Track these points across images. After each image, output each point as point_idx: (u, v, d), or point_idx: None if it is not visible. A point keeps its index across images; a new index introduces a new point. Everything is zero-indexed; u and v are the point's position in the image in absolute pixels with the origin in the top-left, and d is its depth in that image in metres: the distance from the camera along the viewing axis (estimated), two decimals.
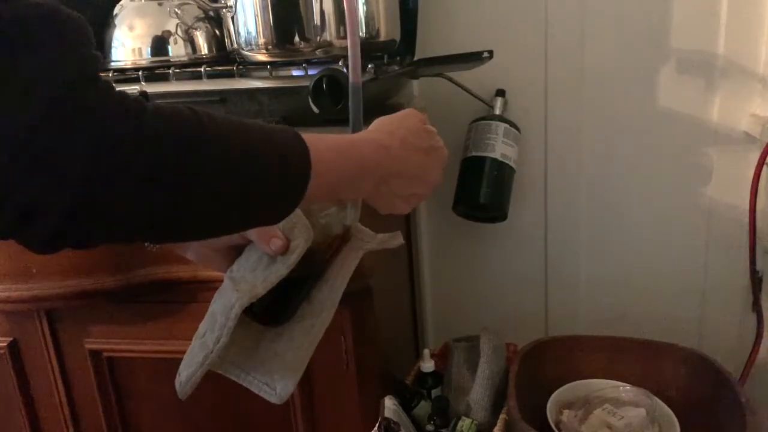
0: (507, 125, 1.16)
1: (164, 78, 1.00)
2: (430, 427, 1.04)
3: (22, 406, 1.02)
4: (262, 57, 0.99)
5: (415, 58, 1.15)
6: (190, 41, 1.08)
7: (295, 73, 0.99)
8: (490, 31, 1.19)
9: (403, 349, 1.28)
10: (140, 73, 1.00)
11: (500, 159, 1.14)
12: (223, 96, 0.92)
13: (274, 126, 0.48)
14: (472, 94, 1.18)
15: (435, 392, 1.14)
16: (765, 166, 1.09)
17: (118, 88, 0.39)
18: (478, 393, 1.07)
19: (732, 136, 1.15)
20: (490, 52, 0.99)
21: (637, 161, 1.21)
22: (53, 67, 0.35)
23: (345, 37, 0.92)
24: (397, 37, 1.08)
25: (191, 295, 0.91)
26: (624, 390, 1.04)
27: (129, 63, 1.07)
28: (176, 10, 1.07)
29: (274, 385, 0.58)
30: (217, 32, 1.11)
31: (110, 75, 1.02)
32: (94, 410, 1.02)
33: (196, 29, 1.09)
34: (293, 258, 0.57)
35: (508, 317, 1.33)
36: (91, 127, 0.36)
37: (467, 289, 1.38)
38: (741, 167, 1.15)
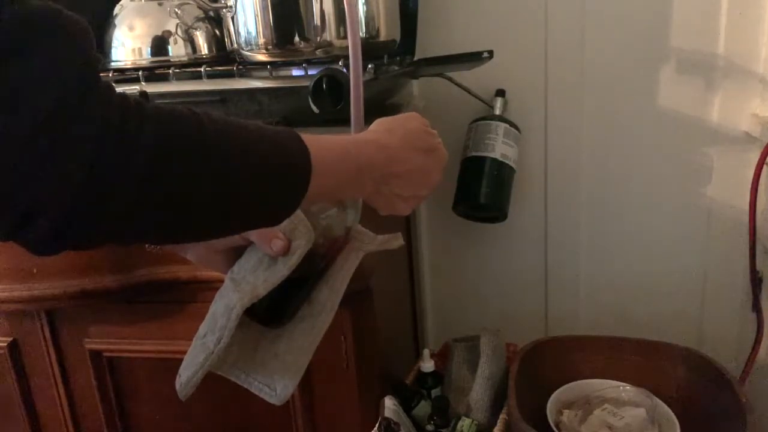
0: (507, 125, 1.16)
1: (164, 78, 1.00)
2: (430, 427, 1.04)
3: (22, 406, 1.02)
4: (262, 57, 0.99)
5: (415, 58, 1.15)
6: (190, 41, 1.08)
7: (295, 73, 0.99)
8: (490, 31, 1.19)
9: (403, 349, 1.28)
10: (140, 73, 1.00)
11: (500, 159, 1.14)
12: (223, 96, 0.92)
13: (275, 128, 0.48)
14: (472, 94, 1.18)
15: (435, 392, 1.14)
16: (765, 166, 1.09)
17: (118, 89, 0.39)
18: (478, 393, 1.07)
19: (732, 136, 1.15)
20: (490, 52, 0.99)
21: (637, 161, 1.21)
22: (54, 69, 0.35)
23: (345, 37, 0.92)
24: (397, 37, 1.08)
25: (191, 295, 0.91)
26: (624, 390, 1.04)
27: (129, 63, 1.07)
28: (176, 10, 1.07)
29: (275, 386, 0.58)
30: (217, 32, 1.11)
31: (110, 75, 1.02)
32: (94, 410, 1.02)
33: (196, 29, 1.09)
34: (294, 259, 0.57)
35: (508, 317, 1.33)
36: (92, 129, 0.36)
37: (467, 289, 1.38)
38: (741, 167, 1.15)
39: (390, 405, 0.98)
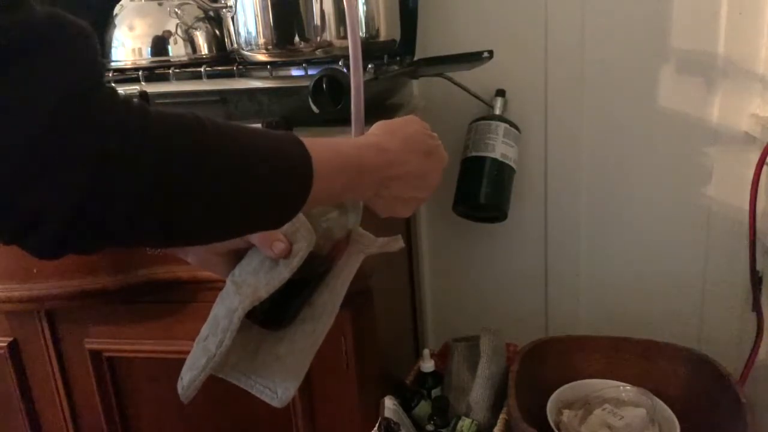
0: (507, 125, 1.16)
1: (164, 78, 1.00)
2: (430, 427, 1.04)
3: (22, 406, 1.02)
4: (262, 57, 0.99)
5: (415, 58, 1.15)
6: (190, 41, 1.08)
7: (295, 73, 0.99)
8: (490, 31, 1.19)
9: (403, 349, 1.28)
10: (140, 73, 1.00)
11: (500, 159, 1.14)
12: (223, 96, 0.91)
13: (276, 132, 0.48)
14: (472, 94, 1.18)
15: (435, 392, 1.14)
16: (765, 166, 1.09)
17: (119, 90, 0.39)
18: (478, 393, 1.07)
19: (732, 136, 1.15)
20: (490, 52, 0.99)
21: (637, 161, 1.21)
22: (57, 75, 0.35)
23: (345, 37, 0.92)
24: (397, 37, 1.08)
25: (191, 295, 0.91)
26: (624, 390, 1.04)
27: (129, 63, 1.07)
28: (176, 10, 1.06)
29: (276, 388, 0.58)
30: (217, 32, 1.11)
31: (110, 75, 1.02)
32: (94, 410, 1.02)
33: (196, 29, 1.09)
34: (296, 261, 0.57)
35: (508, 317, 1.33)
36: (95, 134, 0.36)
37: (467, 289, 1.38)
38: (741, 167, 1.15)
39: (390, 405, 0.98)
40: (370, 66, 0.90)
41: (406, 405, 1.05)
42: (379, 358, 0.99)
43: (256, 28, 0.97)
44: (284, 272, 0.57)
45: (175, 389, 0.58)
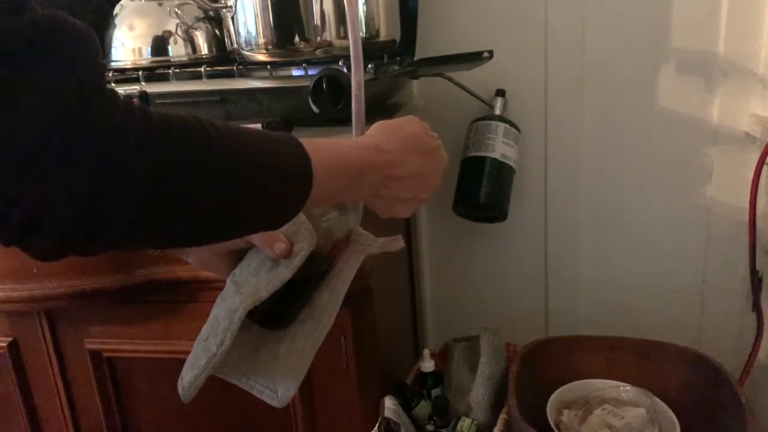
0: (507, 125, 1.16)
1: (164, 78, 1.00)
2: (430, 427, 1.04)
3: (22, 406, 1.02)
4: (262, 57, 0.99)
5: (415, 58, 1.15)
6: (190, 41, 1.08)
7: (295, 73, 0.99)
8: (490, 31, 1.19)
9: (403, 349, 1.28)
10: (140, 73, 1.00)
11: (500, 159, 1.14)
12: (223, 96, 0.91)
13: (276, 134, 0.49)
14: (472, 94, 1.18)
15: (435, 392, 1.14)
16: (765, 166, 1.09)
17: (119, 90, 0.39)
18: (478, 393, 1.07)
19: (732, 136, 1.15)
20: (490, 52, 0.99)
21: (637, 161, 1.21)
22: (57, 77, 0.35)
23: (345, 37, 0.92)
24: (397, 37, 1.08)
25: (191, 295, 0.91)
26: (624, 390, 1.04)
27: (129, 63, 1.07)
28: (176, 10, 1.07)
29: (276, 388, 0.58)
30: (217, 32, 1.11)
31: (110, 75, 1.02)
32: (94, 410, 1.02)
33: (196, 29, 1.09)
34: (296, 261, 0.57)
35: (508, 317, 1.33)
36: (95, 137, 0.36)
37: (467, 289, 1.38)
38: (741, 167, 1.15)
39: (390, 405, 0.98)
40: (370, 66, 0.90)
41: (406, 405, 1.05)
42: (379, 358, 0.99)
43: (256, 28, 0.97)
44: (285, 272, 0.57)
45: (176, 389, 0.58)
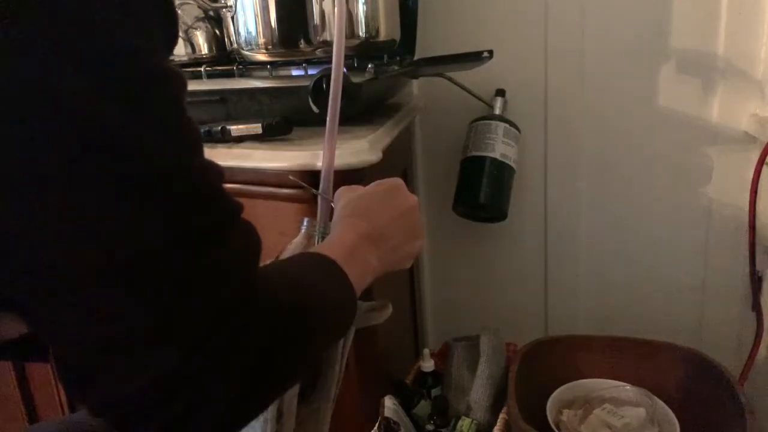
0: (507, 125, 1.16)
1: None
2: (430, 427, 1.04)
3: (22, 406, 1.02)
4: (262, 57, 0.99)
5: (415, 58, 1.15)
6: (190, 41, 1.08)
7: (295, 73, 0.99)
8: (490, 31, 1.19)
9: (403, 349, 1.28)
10: None
11: (500, 159, 1.14)
12: (222, 96, 0.92)
13: (321, 265, 0.52)
14: (472, 94, 1.18)
15: (435, 392, 1.14)
16: (765, 166, 1.09)
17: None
18: (478, 393, 1.07)
19: (732, 136, 1.15)
20: (490, 52, 0.99)
21: (636, 161, 1.21)
22: (232, 268, 0.39)
23: (345, 37, 0.92)
24: (397, 37, 1.08)
25: None
26: (624, 390, 1.04)
27: None
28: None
29: None
30: (217, 32, 1.11)
31: None
32: None
33: (196, 29, 1.09)
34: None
35: (508, 317, 1.33)
36: (257, 329, 0.40)
37: (467, 289, 1.38)
38: (741, 167, 1.15)
39: (390, 405, 0.98)
40: (370, 66, 0.90)
41: (406, 405, 1.05)
42: (379, 358, 0.99)
43: (256, 27, 0.97)
44: None
45: None
